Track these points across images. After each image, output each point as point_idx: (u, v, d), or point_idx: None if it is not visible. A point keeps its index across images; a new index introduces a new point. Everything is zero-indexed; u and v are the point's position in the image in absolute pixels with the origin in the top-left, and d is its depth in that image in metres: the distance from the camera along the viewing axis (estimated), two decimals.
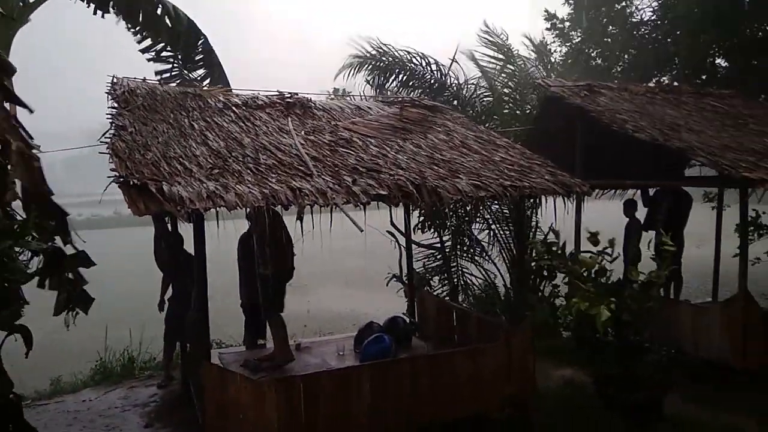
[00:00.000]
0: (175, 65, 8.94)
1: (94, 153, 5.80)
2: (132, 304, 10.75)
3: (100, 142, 4.89)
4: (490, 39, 10.11)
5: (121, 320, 9.20)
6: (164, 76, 8.96)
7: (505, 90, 9.81)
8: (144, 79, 6.39)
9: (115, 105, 5.65)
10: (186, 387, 6.20)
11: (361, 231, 4.37)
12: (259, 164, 4.86)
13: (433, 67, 9.62)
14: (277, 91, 6.68)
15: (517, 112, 9.32)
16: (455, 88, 9.57)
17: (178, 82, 8.65)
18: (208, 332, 4.83)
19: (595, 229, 5.75)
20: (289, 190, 4.33)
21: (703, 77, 12.14)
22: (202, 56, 9.08)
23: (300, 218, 4.29)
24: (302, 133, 5.74)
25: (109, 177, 4.28)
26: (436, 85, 9.55)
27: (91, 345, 8.09)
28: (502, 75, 9.95)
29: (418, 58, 9.57)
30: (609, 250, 5.55)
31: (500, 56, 10.00)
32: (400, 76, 9.60)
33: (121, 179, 4.14)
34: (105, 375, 7.33)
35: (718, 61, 12.28)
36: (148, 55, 8.96)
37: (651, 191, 8.47)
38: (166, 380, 6.81)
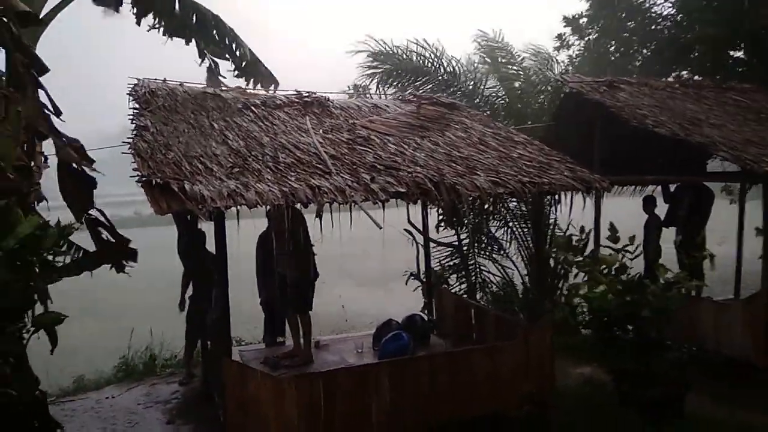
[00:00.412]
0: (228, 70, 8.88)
1: (112, 156, 5.90)
2: (154, 303, 10.90)
3: (123, 142, 4.97)
4: (489, 44, 10.10)
5: (143, 319, 9.33)
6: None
7: (515, 86, 9.75)
8: (164, 80, 6.47)
9: (137, 106, 5.74)
10: (207, 384, 6.27)
11: (380, 228, 4.38)
12: (279, 163, 4.90)
13: (446, 63, 9.59)
14: (295, 90, 6.73)
15: (528, 110, 9.25)
16: (471, 86, 9.54)
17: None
18: (229, 330, 4.88)
19: (617, 226, 5.72)
20: (308, 188, 4.37)
21: (723, 72, 11.96)
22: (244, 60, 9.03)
23: (319, 216, 4.32)
24: (320, 131, 5.77)
25: (132, 177, 4.35)
26: (453, 83, 9.53)
27: (113, 343, 8.21)
28: (510, 73, 9.91)
29: (433, 56, 9.55)
30: (630, 248, 5.50)
31: (504, 56, 9.98)
32: (415, 75, 9.58)
33: (144, 178, 4.20)
34: (127, 372, 7.44)
35: (737, 54, 12.09)
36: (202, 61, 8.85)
37: (671, 187, 8.38)
38: (187, 378, 6.89)
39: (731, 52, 12.18)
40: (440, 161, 5.42)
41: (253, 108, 6.19)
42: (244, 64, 8.73)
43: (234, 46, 8.75)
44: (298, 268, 5.63)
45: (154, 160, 4.59)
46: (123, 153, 4.83)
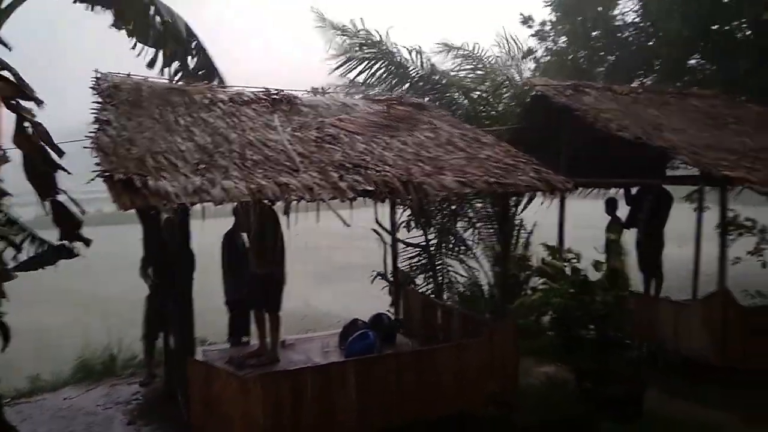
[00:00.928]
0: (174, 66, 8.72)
1: (72, 151, 5.75)
2: (114, 303, 10.65)
3: (85, 137, 4.84)
4: (463, 51, 10.19)
5: (104, 319, 9.11)
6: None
7: (478, 90, 9.84)
8: (129, 75, 6.33)
9: (100, 100, 5.60)
10: (170, 384, 6.16)
11: (348, 226, 4.38)
12: (246, 160, 4.85)
13: (419, 62, 9.62)
14: (263, 87, 6.66)
15: (493, 113, 9.35)
16: (442, 86, 9.59)
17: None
18: (193, 329, 4.80)
19: (579, 227, 5.85)
20: (275, 186, 4.33)
21: (684, 79, 12.34)
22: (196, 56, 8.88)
23: (286, 213, 4.30)
24: (288, 129, 5.73)
25: (93, 172, 4.24)
26: (425, 84, 9.55)
27: (71, 343, 8.00)
28: (471, 76, 10.01)
29: (408, 53, 9.56)
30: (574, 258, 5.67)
31: (472, 61, 10.07)
32: (388, 69, 9.54)
33: (106, 174, 4.10)
34: (86, 373, 7.25)
35: (698, 62, 12.48)
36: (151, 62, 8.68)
37: (633, 190, 8.59)
38: (149, 378, 6.75)
39: (692, 60, 12.59)
40: (408, 161, 5.44)
41: (219, 104, 6.11)
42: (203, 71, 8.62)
43: (199, 54, 8.65)
44: (269, 266, 5.58)
45: (117, 156, 4.49)
46: (84, 147, 4.71)
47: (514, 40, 10.46)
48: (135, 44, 7.83)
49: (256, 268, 5.65)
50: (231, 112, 5.95)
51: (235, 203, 4.65)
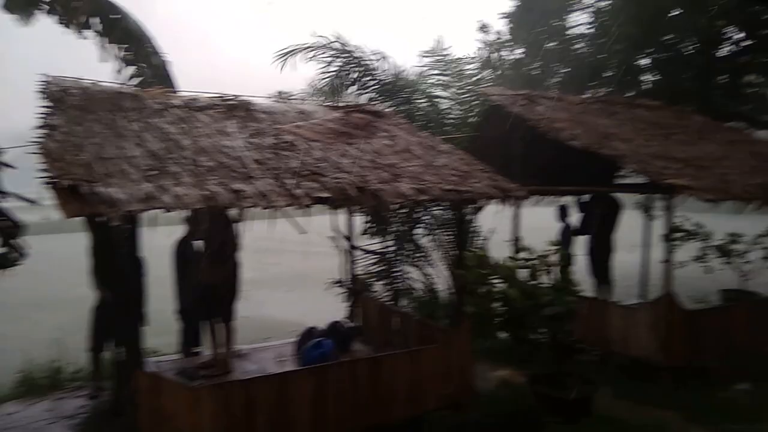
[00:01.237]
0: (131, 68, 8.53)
1: (18, 157, 5.53)
2: (61, 315, 10.27)
3: (31, 142, 4.66)
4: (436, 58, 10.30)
5: (49, 331, 8.77)
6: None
7: (441, 98, 9.97)
8: (79, 78, 6.14)
9: (48, 104, 5.41)
10: (118, 397, 5.97)
11: (303, 233, 4.35)
12: (199, 166, 4.76)
13: (385, 67, 9.64)
14: (219, 93, 6.57)
15: (455, 120, 9.48)
16: (406, 93, 9.64)
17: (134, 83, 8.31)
18: (142, 339, 4.68)
19: (534, 233, 5.97)
20: (228, 192, 4.27)
21: (634, 89, 12.80)
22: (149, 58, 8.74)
23: (239, 221, 4.25)
24: (244, 135, 5.66)
25: (39, 179, 4.09)
26: (390, 90, 9.57)
27: (11, 357, 7.67)
28: (436, 83, 10.13)
29: (374, 58, 9.57)
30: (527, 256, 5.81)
31: (438, 69, 10.20)
32: (356, 74, 9.51)
33: (52, 180, 3.96)
34: (29, 387, 6.96)
35: (647, 74, 12.97)
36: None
37: (586, 197, 8.83)
38: (95, 391, 6.53)
39: (641, 71, 13.08)
40: (365, 168, 5.45)
41: (172, 109, 5.99)
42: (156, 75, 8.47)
43: (152, 57, 8.49)
44: (222, 274, 5.49)
45: (64, 161, 4.34)
46: (27, 153, 4.54)
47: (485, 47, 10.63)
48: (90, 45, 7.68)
49: (209, 276, 5.55)
50: (184, 118, 5.83)
51: (188, 210, 4.57)
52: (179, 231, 6.25)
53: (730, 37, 12.84)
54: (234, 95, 6.58)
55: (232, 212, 4.57)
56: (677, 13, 12.21)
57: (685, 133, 8.26)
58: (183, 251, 6.06)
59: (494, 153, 8.12)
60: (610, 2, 12.86)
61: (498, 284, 6.07)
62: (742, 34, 12.63)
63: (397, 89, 9.44)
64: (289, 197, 4.42)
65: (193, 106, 6.19)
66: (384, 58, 9.55)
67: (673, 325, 6.45)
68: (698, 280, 9.28)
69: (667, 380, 6.47)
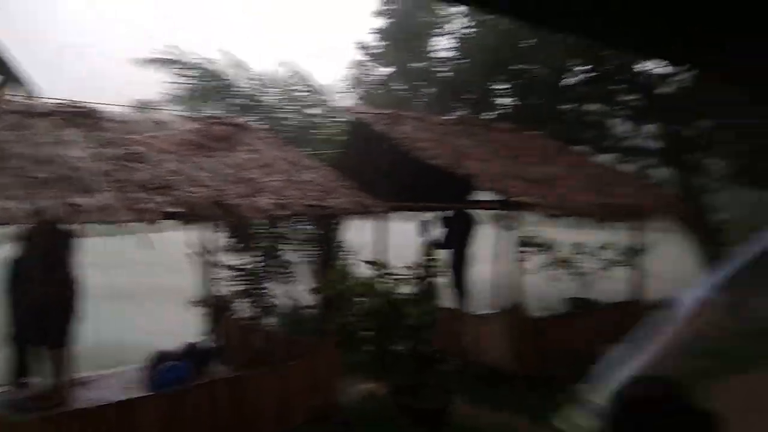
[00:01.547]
0: None
1: None
2: None
3: None
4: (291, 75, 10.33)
5: None
6: None
7: (313, 114, 10.04)
8: None
9: None
10: None
11: (151, 249, 4.12)
12: (33, 177, 4.36)
13: (248, 81, 9.51)
14: (64, 99, 6.07)
15: (324, 136, 9.57)
16: (270, 107, 9.56)
17: None
18: None
19: (400, 248, 6.13)
20: (64, 206, 3.94)
21: (493, 113, 13.72)
22: None
23: (74, 236, 3.93)
24: (89, 145, 5.27)
25: None
26: (253, 103, 9.44)
27: None
28: (304, 99, 10.20)
29: (235, 71, 9.39)
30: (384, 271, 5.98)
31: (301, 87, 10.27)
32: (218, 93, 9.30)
33: None
34: None
35: (504, 100, 13.97)
36: None
37: (449, 213, 9.26)
38: None
39: (499, 96, 14.06)
40: (224, 182, 5.31)
41: (7, 115, 5.44)
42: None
43: None
44: (57, 294, 5.02)
45: None
46: None
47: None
48: None
49: (42, 297, 5.05)
50: (19, 124, 5.32)
51: (21, 225, 4.15)
52: (13, 247, 5.64)
53: (573, 69, 14.22)
54: (80, 102, 6.12)
55: (71, 227, 4.20)
56: (530, 44, 13.33)
57: (534, 154, 8.97)
58: (17, 269, 5.46)
59: (361, 170, 8.29)
60: (471, 29, 13.71)
61: (362, 298, 6.16)
62: (587, 67, 14.06)
63: (262, 103, 9.34)
64: (134, 211, 4.17)
65: (31, 112, 5.67)
66: (248, 70, 9.43)
67: (522, 333, 6.92)
68: (546, 289, 10.07)
69: (519, 386, 6.91)
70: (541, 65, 13.66)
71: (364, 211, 5.67)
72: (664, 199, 9.30)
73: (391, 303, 5.98)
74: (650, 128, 14.07)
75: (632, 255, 9.05)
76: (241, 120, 7.71)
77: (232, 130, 6.84)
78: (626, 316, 8.21)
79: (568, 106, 14.54)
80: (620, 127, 15.47)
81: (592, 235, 9.90)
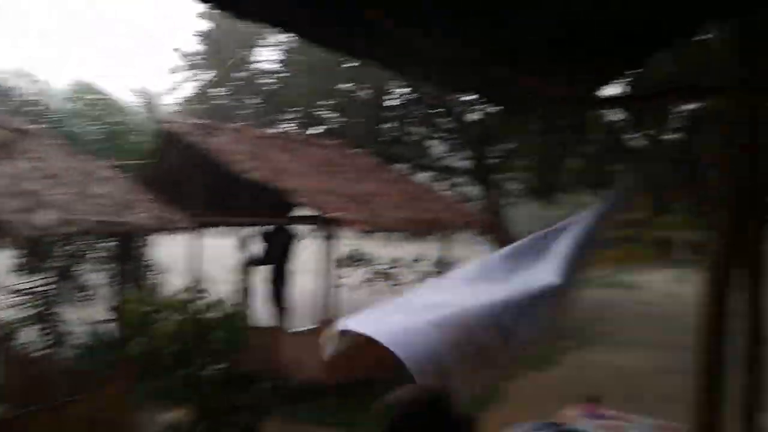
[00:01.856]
0: None
1: None
2: None
3: None
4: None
5: None
6: None
7: (116, 124, 9.31)
8: None
9: None
10: None
11: None
12: None
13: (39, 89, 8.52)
14: None
15: (130, 147, 8.92)
16: (60, 115, 8.64)
17: None
18: None
19: (216, 265, 5.85)
20: None
21: (319, 129, 13.90)
22: None
23: None
24: None
25: None
26: (36, 111, 8.45)
27: None
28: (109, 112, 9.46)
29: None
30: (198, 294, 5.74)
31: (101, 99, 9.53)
32: None
33: None
34: None
35: (331, 116, 14.25)
36: None
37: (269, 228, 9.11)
38: None
39: (326, 112, 14.30)
40: None
41: None
42: None
43: None
44: None
45: None
46: None
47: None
48: None
49: None
50: None
51: None
52: None
53: (394, 91, 14.99)
54: None
55: None
56: (354, 62, 13.77)
57: (354, 171, 9.22)
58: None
59: (172, 183, 7.84)
60: (296, 42, 13.80)
61: (167, 320, 5.78)
62: (407, 89, 14.89)
63: (53, 111, 8.44)
64: None
65: None
66: (38, 79, 8.49)
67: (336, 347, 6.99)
68: (367, 302, 10.38)
69: (332, 400, 6.95)
70: (365, 85, 14.18)
71: (167, 227, 5.33)
72: (469, 213, 10.10)
73: (198, 324, 5.69)
74: (461, 150, 15.31)
75: (443, 266, 9.69)
76: (22, 124, 6.85)
77: (10, 136, 6.05)
78: None
79: (390, 126, 15.27)
80: (437, 147, 16.65)
81: (410, 249, 10.46)
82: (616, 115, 10.75)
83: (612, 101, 6.91)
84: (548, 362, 9.39)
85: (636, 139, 11.28)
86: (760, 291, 2.56)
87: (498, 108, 10.30)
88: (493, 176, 14.64)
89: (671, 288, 15.05)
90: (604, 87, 3.23)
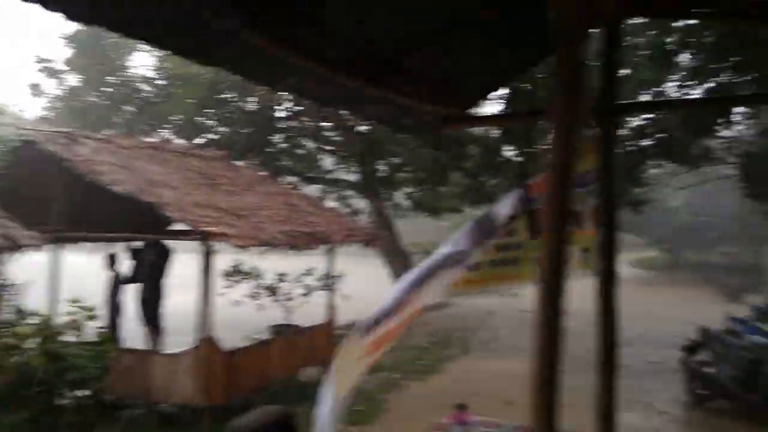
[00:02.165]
0: None
1: None
2: None
3: None
4: None
5: None
6: None
7: None
8: None
9: None
10: None
11: None
12: None
13: None
14: None
15: None
16: None
17: None
18: None
19: (80, 284, 5.40)
20: None
21: (202, 139, 13.40)
22: None
23: None
24: None
25: None
26: None
27: None
28: None
29: None
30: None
31: None
32: None
33: None
34: None
35: (217, 127, 13.78)
36: None
37: (139, 244, 8.60)
38: None
39: (210, 122, 13.82)
40: None
41: None
42: None
43: None
44: None
45: None
46: None
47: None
48: None
49: None
50: None
51: None
52: None
53: (284, 102, 14.79)
54: None
55: None
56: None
57: (233, 183, 8.93)
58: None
59: (30, 197, 7.22)
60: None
61: (20, 349, 5.27)
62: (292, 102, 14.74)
63: None
64: None
65: None
66: None
67: (211, 367, 6.71)
68: (252, 318, 10.09)
69: (210, 421, 6.66)
70: (254, 95, 13.88)
71: (9, 245, 4.84)
72: (354, 227, 10.13)
73: (56, 352, 5.23)
74: (350, 162, 15.38)
75: (330, 280, 9.64)
76: None
77: None
78: (319, 338, 8.70)
79: (279, 138, 15.05)
80: (327, 160, 16.63)
81: (298, 262, 10.29)
82: (494, 132, 11.30)
83: (486, 119, 7.23)
84: (431, 371, 9.62)
85: (513, 157, 11.91)
86: (612, 296, 2.73)
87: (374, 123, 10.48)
88: (382, 189, 14.85)
89: None
90: (476, 105, 3.37)
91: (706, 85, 10.41)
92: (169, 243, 8.53)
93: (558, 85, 1.87)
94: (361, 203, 16.42)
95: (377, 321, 2.70)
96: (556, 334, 1.77)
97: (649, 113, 10.35)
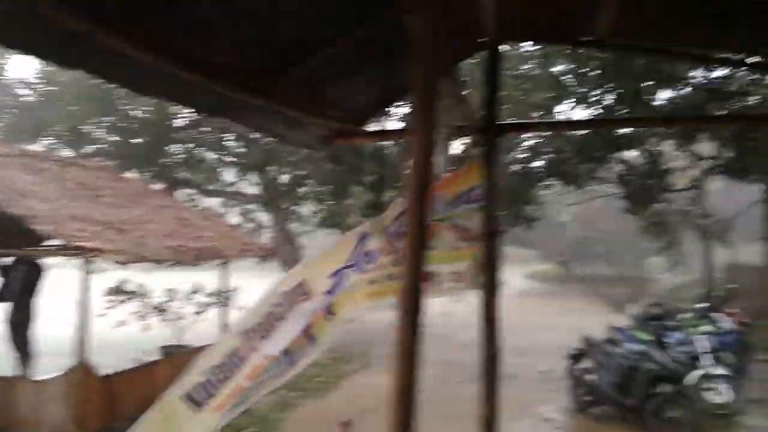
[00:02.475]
0: None
1: None
2: None
3: None
4: None
5: None
6: None
7: None
8: None
9: None
10: None
11: None
12: None
13: None
14: None
15: None
16: None
17: None
18: None
19: None
20: None
21: (89, 148, 12.61)
22: None
23: None
24: None
25: None
26: None
27: None
28: None
29: None
30: None
31: None
32: None
33: None
34: None
35: (100, 135, 13.01)
36: None
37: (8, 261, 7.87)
38: None
39: (98, 130, 13.02)
40: None
41: None
42: None
43: None
44: None
45: None
46: None
47: None
48: None
49: None
50: None
51: None
52: None
53: (181, 111, 14.23)
54: None
55: None
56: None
57: (117, 196, 8.44)
58: None
59: None
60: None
61: None
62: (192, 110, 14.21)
63: None
64: None
65: None
66: None
67: (87, 392, 6.25)
68: (139, 339, 9.49)
69: None
70: (148, 104, 13.26)
71: None
72: (248, 241, 9.88)
73: None
74: (252, 175, 15.05)
75: (224, 296, 9.28)
76: None
77: None
78: None
79: (176, 148, 14.44)
80: (228, 172, 16.17)
81: (194, 278, 9.82)
82: (391, 147, 11.45)
83: (376, 134, 7.29)
84: (329, 388, 9.48)
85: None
86: (494, 308, 2.77)
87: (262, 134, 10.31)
88: (284, 203, 14.61)
89: (447, 307, 16.38)
90: (370, 120, 3.35)
91: (592, 110, 11.14)
92: (44, 260, 7.87)
93: (415, 102, 1.86)
94: (264, 217, 16.07)
95: (211, 389, 2.54)
96: (414, 349, 1.75)
97: (528, 133, 10.90)
